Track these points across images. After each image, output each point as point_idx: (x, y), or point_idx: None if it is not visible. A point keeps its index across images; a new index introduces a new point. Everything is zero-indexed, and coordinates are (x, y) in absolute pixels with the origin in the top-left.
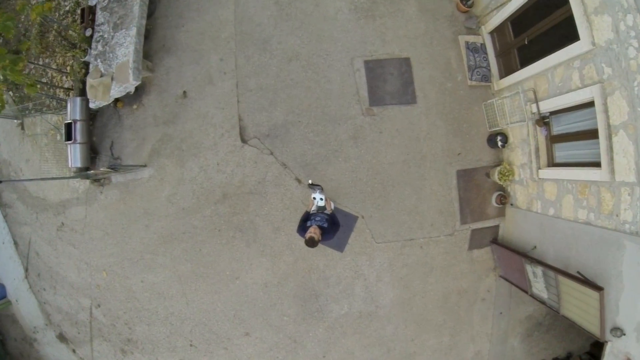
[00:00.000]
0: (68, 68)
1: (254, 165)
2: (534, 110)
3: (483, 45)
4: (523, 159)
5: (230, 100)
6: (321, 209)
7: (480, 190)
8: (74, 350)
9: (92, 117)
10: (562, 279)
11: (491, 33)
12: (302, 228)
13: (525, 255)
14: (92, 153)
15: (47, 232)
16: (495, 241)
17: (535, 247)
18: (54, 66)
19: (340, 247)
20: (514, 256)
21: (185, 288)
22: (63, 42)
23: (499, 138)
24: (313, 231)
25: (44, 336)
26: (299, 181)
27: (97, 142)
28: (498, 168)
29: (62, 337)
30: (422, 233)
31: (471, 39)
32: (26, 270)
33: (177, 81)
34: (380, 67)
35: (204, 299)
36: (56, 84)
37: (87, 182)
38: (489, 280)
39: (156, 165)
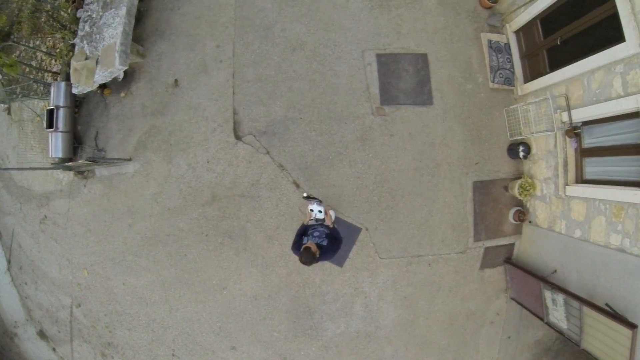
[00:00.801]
0: (57, 51)
1: (248, 165)
2: (565, 119)
3: (507, 45)
4: (547, 173)
5: (225, 91)
6: (320, 221)
7: (497, 205)
8: (54, 349)
9: (78, 104)
10: (587, 310)
11: (517, 32)
12: (298, 245)
13: (544, 280)
14: (77, 143)
15: (30, 224)
16: (509, 261)
17: (555, 271)
18: (43, 49)
19: (339, 262)
20: (531, 279)
21: (169, 294)
22: (53, 23)
23: (521, 148)
24: (309, 244)
25: (25, 332)
26: (297, 185)
27: (82, 132)
28: (519, 181)
29: (42, 334)
30: (432, 249)
31: (494, 37)
32: (9, 262)
33: (168, 68)
34: (395, 62)
35: (188, 307)
36: (44, 68)
37: (71, 174)
38: (499, 302)
39: (142, 160)
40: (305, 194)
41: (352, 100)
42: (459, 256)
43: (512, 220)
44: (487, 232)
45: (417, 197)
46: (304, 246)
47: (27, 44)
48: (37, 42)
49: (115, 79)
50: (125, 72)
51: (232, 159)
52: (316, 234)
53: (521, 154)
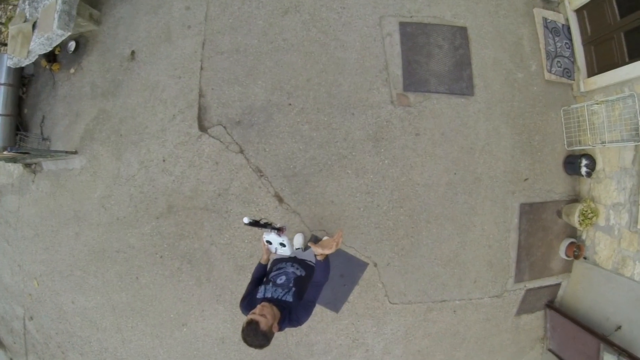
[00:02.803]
0: (7, 18)
1: (214, 167)
2: None
3: (566, 26)
4: (618, 197)
5: (191, 66)
6: (292, 257)
7: (547, 235)
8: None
9: (27, 82)
10: None
11: (578, 11)
12: (249, 302)
13: (606, 340)
14: (22, 129)
15: None
16: (551, 305)
17: (620, 327)
18: (3, 20)
19: (335, 306)
20: (583, 334)
21: (121, 322)
22: None
23: (583, 162)
24: (259, 312)
25: None
26: (280, 199)
27: (29, 116)
28: (579, 206)
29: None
30: (460, 293)
31: (550, 15)
32: None
33: (126, 37)
34: (424, 34)
35: (142, 340)
36: (2, 41)
37: (21, 166)
38: (534, 354)
39: (89, 154)
40: (246, 220)
41: (363, 83)
42: (493, 301)
43: (563, 256)
44: (532, 271)
45: (447, 223)
46: (247, 319)
47: None
48: (0, 13)
49: (66, 52)
50: (77, 43)
51: (194, 158)
52: (280, 280)
53: (584, 170)
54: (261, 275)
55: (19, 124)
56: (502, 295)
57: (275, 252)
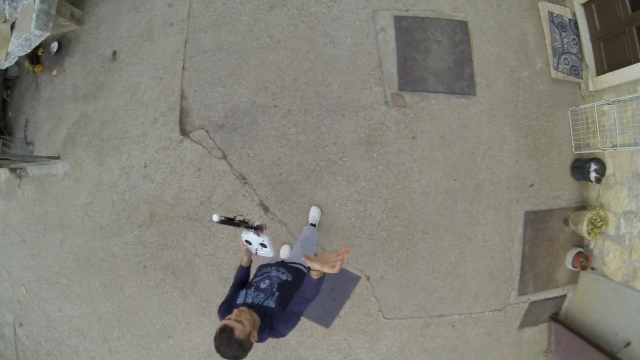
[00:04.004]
0: None
1: (196, 173)
2: None
3: (573, 21)
4: (629, 205)
5: (173, 66)
6: (277, 261)
7: (553, 245)
8: None
9: (10, 84)
10: None
11: (586, 4)
12: (227, 307)
13: (614, 356)
14: (7, 134)
15: None
16: (556, 318)
17: (629, 344)
18: None
19: (325, 321)
20: (590, 350)
21: (107, 333)
22: None
23: (592, 167)
24: (235, 317)
25: None
26: (265, 208)
27: (13, 120)
28: (588, 215)
29: None
30: (459, 307)
31: (556, 9)
32: None
33: (107, 37)
34: (421, 29)
35: (129, 351)
36: None
37: (7, 171)
38: None
39: (71, 159)
40: (216, 217)
41: (355, 82)
42: (495, 315)
43: (570, 267)
44: (537, 283)
45: (446, 234)
46: (221, 325)
47: None
48: None
49: (48, 53)
50: (59, 43)
51: (176, 163)
52: (264, 284)
53: (593, 176)
54: (243, 279)
55: (3, 128)
56: (504, 309)
57: (256, 254)
